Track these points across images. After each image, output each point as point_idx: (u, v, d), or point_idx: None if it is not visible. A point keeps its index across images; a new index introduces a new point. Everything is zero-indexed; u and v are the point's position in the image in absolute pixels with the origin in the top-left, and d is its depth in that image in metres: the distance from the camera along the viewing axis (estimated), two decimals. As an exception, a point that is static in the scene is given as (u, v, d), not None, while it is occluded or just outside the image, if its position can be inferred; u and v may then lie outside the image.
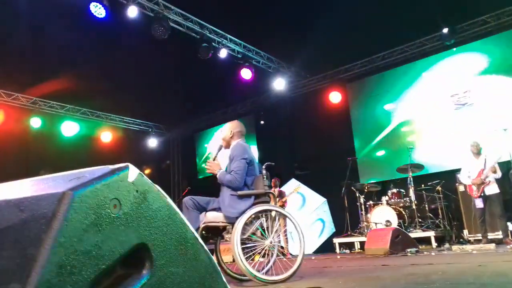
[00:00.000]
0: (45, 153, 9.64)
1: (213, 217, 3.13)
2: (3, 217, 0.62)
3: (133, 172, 0.75)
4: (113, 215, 0.68)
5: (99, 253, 0.65)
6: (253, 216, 3.07)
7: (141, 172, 0.79)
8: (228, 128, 3.47)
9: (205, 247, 0.91)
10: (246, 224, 2.99)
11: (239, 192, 3.14)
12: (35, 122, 9.82)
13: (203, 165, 3.34)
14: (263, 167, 3.45)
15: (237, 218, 3.03)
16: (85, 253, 0.62)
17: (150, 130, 12.53)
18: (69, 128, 10.31)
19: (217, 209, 3.16)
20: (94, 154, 10.68)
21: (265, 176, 3.36)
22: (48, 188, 0.65)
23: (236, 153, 3.27)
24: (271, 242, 3.11)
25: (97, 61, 8.11)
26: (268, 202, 3.28)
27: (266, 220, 3.13)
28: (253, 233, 3.09)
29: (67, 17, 7.01)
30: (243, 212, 3.05)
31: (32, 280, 0.54)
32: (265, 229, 3.09)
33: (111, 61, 8.12)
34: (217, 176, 3.29)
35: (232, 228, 2.99)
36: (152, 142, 12.34)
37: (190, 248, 0.87)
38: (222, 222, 3.13)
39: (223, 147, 3.48)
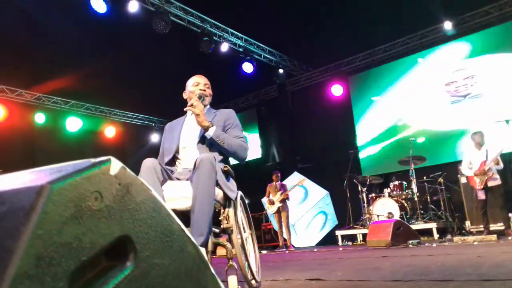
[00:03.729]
0: (50, 149, 9.68)
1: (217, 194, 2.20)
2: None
3: (115, 165, 0.76)
4: (94, 207, 0.69)
5: (80, 245, 0.66)
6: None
7: (124, 166, 0.79)
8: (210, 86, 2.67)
9: (192, 238, 0.91)
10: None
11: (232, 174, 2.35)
12: (40, 118, 9.87)
13: (189, 105, 2.35)
14: None
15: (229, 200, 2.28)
16: (64, 245, 0.63)
17: (153, 125, 12.58)
18: (73, 124, 10.38)
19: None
20: (98, 149, 10.72)
21: None
22: (29, 181, 0.66)
23: (237, 121, 2.54)
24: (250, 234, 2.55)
25: (99, 56, 8.13)
26: None
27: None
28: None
29: (69, 12, 7.02)
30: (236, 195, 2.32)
31: (10, 272, 0.55)
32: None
33: (113, 56, 8.12)
34: (213, 131, 2.32)
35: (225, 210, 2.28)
36: (155, 137, 12.38)
37: (176, 240, 0.88)
38: (218, 203, 2.22)
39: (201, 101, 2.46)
